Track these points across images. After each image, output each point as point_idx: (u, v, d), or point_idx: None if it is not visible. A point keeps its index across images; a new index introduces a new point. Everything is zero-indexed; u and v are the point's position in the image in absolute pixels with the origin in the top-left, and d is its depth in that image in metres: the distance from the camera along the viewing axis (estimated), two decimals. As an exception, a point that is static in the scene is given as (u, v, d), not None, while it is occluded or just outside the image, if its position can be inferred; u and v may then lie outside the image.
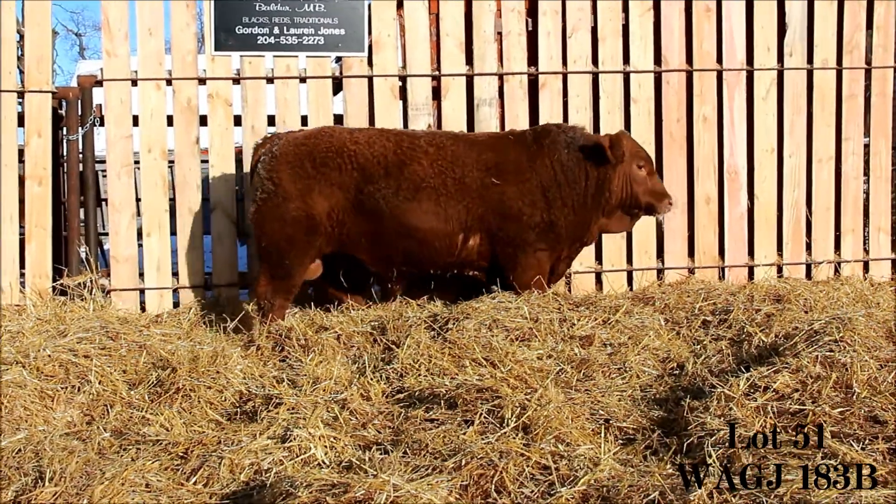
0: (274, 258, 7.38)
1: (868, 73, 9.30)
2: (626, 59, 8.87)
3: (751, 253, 9.14)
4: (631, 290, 8.74)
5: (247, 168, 8.30)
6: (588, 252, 8.59)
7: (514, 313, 6.67)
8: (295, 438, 4.93)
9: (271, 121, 8.61)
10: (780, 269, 9.16)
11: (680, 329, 6.98)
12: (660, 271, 8.96)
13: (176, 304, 8.38)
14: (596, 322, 6.70)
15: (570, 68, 8.78)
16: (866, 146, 9.39)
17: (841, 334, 5.65)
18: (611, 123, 8.71)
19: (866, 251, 9.42)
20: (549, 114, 8.70)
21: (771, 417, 4.88)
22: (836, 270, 9.26)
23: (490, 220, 7.43)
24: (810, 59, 9.15)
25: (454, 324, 6.49)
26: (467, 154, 7.48)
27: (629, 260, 8.95)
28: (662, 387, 5.92)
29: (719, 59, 9.00)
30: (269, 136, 7.74)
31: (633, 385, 5.91)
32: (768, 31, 9.04)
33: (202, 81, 8.41)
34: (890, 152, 9.39)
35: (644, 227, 8.66)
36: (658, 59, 8.92)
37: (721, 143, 8.99)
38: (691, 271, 8.99)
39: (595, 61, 8.84)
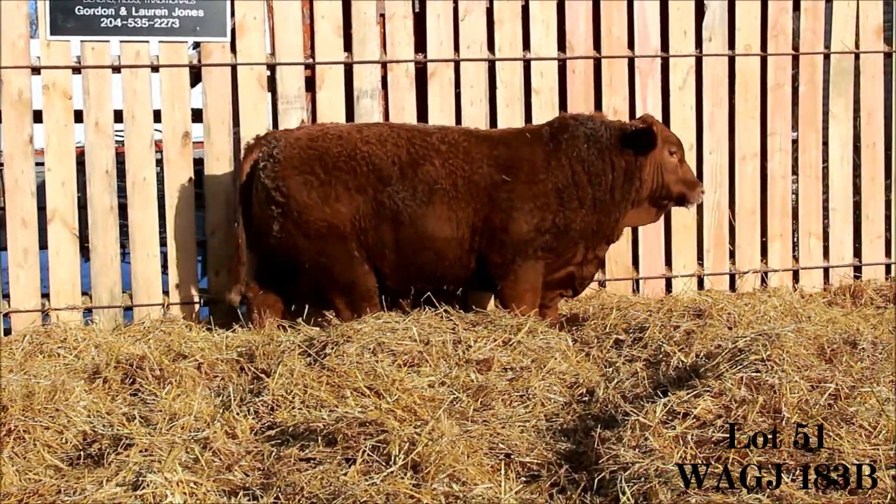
0: (324, 278, 7.53)
1: (795, 59, 9.49)
2: (527, 45, 8.95)
3: (668, 263, 9.29)
4: (534, 306, 8.79)
5: (90, 167, 8.22)
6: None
7: (401, 335, 6.68)
8: (149, 485, 4.84)
9: (118, 116, 8.48)
10: (700, 281, 9.33)
11: (590, 350, 7.08)
12: (567, 285, 9.04)
13: (7, 332, 8.21)
14: (495, 343, 6.74)
15: (463, 55, 8.84)
16: (794, 141, 9.57)
17: (768, 352, 5.78)
18: (509, 116, 8.79)
19: (796, 259, 9.62)
20: (440, 106, 8.75)
21: (691, 448, 4.96)
22: (763, 281, 9.43)
23: (496, 221, 7.57)
24: (732, 45, 9.32)
25: (333, 348, 6.48)
26: (478, 150, 7.66)
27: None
28: (570, 416, 5.97)
29: (631, 45, 9.14)
30: (259, 136, 7.77)
31: (536, 414, 5.95)
32: (685, 13, 9.19)
33: (36, 71, 8.26)
34: (821, 148, 9.58)
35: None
36: (562, 45, 9.02)
37: (634, 139, 9.09)
38: (602, 284, 9.10)
39: (491, 47, 8.91)
